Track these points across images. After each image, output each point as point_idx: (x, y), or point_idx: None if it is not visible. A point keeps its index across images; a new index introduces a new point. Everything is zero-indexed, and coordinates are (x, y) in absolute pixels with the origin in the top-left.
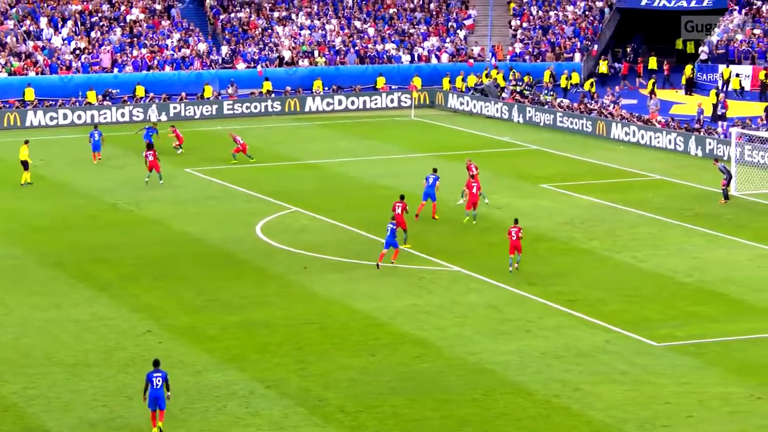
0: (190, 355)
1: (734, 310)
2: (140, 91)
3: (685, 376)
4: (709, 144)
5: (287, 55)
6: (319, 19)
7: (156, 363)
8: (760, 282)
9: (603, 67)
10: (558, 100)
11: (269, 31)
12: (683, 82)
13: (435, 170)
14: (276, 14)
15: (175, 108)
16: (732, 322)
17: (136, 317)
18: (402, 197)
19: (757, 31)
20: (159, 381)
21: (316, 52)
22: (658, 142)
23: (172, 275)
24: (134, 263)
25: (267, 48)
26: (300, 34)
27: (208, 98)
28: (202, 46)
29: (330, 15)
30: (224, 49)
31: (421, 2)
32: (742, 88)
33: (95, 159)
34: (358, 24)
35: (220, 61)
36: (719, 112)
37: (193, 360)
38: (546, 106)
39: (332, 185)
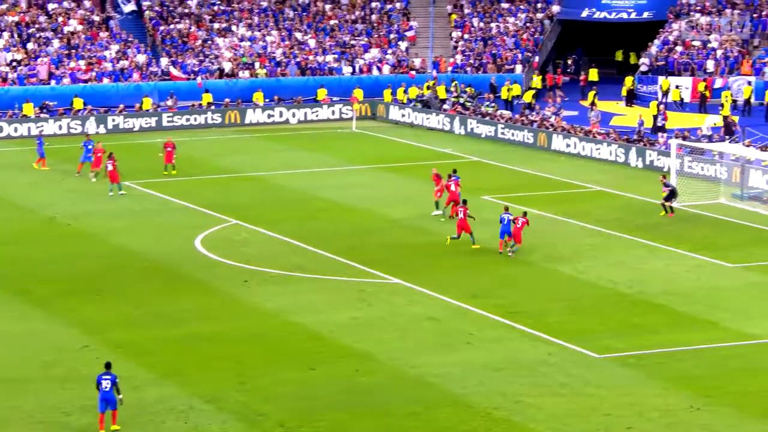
0: (129, 370)
1: (674, 321)
2: (78, 103)
3: (625, 388)
4: (650, 155)
5: (227, 66)
6: (259, 31)
7: (107, 366)
8: (700, 293)
9: (537, 82)
10: (499, 111)
11: (209, 42)
12: (624, 93)
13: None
14: (216, 26)
15: (113, 120)
16: (672, 333)
17: (74, 332)
18: (464, 201)
19: (696, 43)
20: (108, 384)
21: (256, 64)
22: (599, 154)
23: (110, 289)
24: (71, 277)
25: (207, 59)
26: (240, 46)
27: (147, 110)
28: (141, 58)
29: (271, 26)
30: (164, 61)
31: (362, 14)
32: (681, 99)
33: (39, 164)
34: (299, 35)
35: (159, 72)
36: (659, 124)
37: (131, 375)
38: (487, 118)
39: (273, 197)
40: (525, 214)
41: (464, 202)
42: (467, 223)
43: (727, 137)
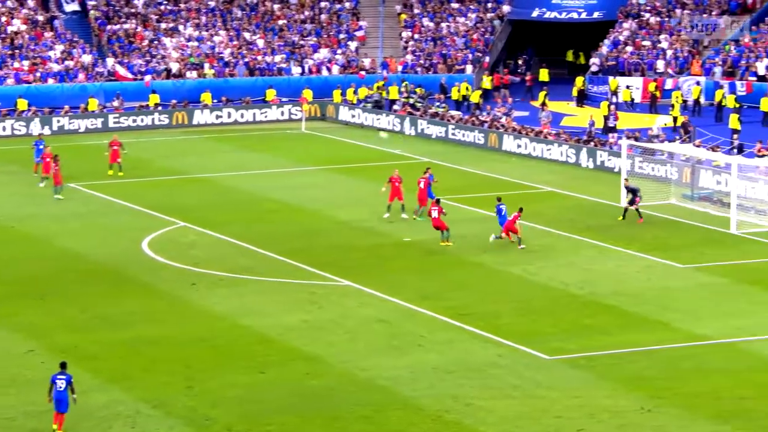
0: (74, 375)
1: (625, 322)
2: (22, 104)
3: (576, 390)
4: (600, 156)
5: (175, 67)
6: (207, 31)
7: (63, 365)
8: (650, 294)
9: (486, 82)
10: (450, 112)
11: (156, 42)
12: (574, 94)
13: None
14: (163, 25)
15: (58, 121)
16: (622, 334)
17: (18, 337)
18: (438, 200)
19: (646, 43)
20: (63, 384)
21: (205, 65)
22: (550, 154)
23: (55, 293)
24: (15, 281)
25: (154, 60)
26: (188, 46)
27: (93, 111)
28: (87, 58)
29: (218, 26)
30: (110, 61)
31: (311, 14)
32: (632, 99)
33: None
34: (247, 35)
35: (105, 73)
36: (611, 124)
37: (76, 380)
38: (438, 119)
39: (221, 199)
40: (521, 210)
41: (437, 201)
42: (442, 221)
43: (686, 138)
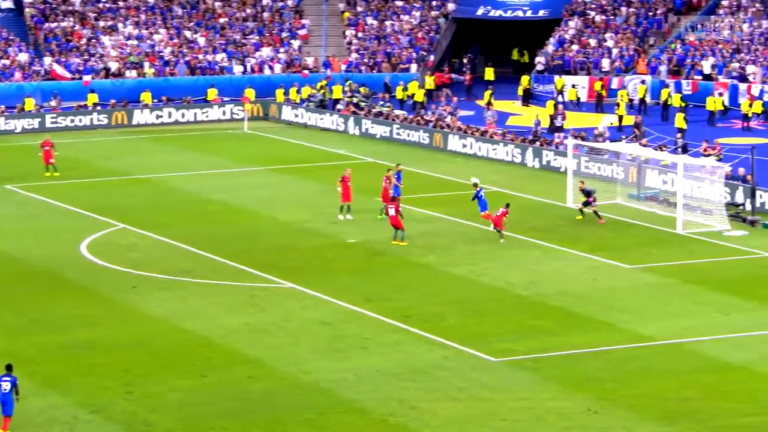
0: None
1: (571, 323)
2: None
3: (523, 392)
4: (546, 156)
5: (114, 66)
6: (147, 29)
7: (8, 367)
8: (596, 294)
9: (430, 82)
10: (394, 111)
11: (94, 41)
12: (520, 93)
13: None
14: (101, 23)
15: None
16: (569, 335)
17: None
18: (394, 198)
19: (592, 42)
20: (7, 385)
21: (145, 64)
22: (496, 154)
23: None
24: None
25: (92, 59)
26: (127, 44)
27: (30, 111)
28: (23, 57)
29: (158, 24)
30: (47, 60)
31: (253, 11)
32: (578, 98)
33: None
34: (188, 34)
35: (42, 72)
36: (558, 124)
37: None
38: (382, 118)
39: (162, 201)
40: (507, 205)
41: (393, 198)
42: (398, 219)
43: (637, 136)
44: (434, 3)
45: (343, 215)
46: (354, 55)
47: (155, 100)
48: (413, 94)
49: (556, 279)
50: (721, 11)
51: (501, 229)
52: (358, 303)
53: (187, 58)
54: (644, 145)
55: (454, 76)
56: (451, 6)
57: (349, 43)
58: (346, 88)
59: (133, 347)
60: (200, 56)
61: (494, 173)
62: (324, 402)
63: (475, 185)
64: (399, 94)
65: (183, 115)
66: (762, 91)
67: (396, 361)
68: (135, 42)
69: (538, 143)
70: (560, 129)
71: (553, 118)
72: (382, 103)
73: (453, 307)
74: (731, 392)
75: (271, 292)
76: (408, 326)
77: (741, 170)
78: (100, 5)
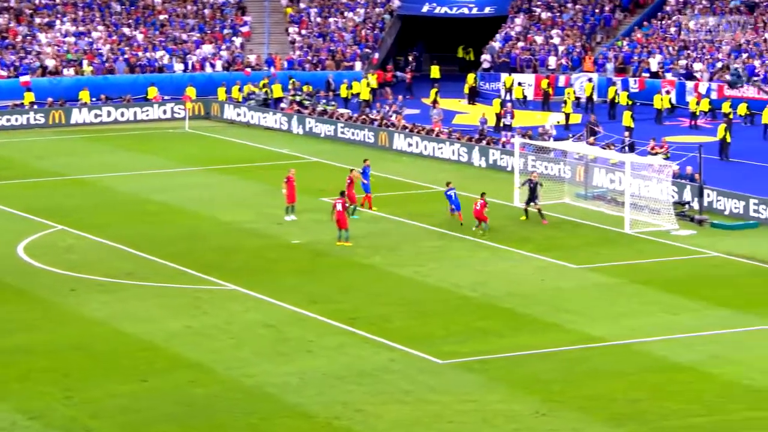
0: None
1: (518, 324)
2: None
3: (470, 394)
4: (493, 155)
5: (51, 63)
6: (84, 26)
7: None
8: (544, 295)
9: (372, 80)
10: (339, 110)
11: (30, 38)
12: (466, 91)
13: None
14: (38, 20)
15: None
16: (516, 336)
17: None
18: (342, 193)
19: (538, 39)
20: None
21: (83, 61)
22: (442, 153)
23: None
24: None
25: (28, 56)
26: (64, 42)
27: None
28: None
29: (96, 21)
30: None
31: (194, 8)
32: (524, 97)
33: None
34: (126, 31)
35: None
36: (508, 122)
37: None
38: (326, 117)
39: (101, 201)
40: (483, 195)
41: (342, 193)
42: (344, 217)
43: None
44: (379, 0)
45: (288, 216)
46: (297, 53)
47: (94, 99)
48: (358, 93)
49: (504, 280)
50: (667, 8)
51: (485, 221)
52: (302, 305)
53: (126, 56)
54: (591, 144)
55: (398, 74)
56: (396, 3)
57: (292, 41)
58: (290, 87)
59: (72, 351)
60: (140, 54)
61: (440, 172)
62: (267, 406)
63: (447, 184)
64: (343, 92)
65: (122, 114)
66: (709, 89)
67: (341, 364)
68: (72, 39)
69: (484, 142)
70: (509, 128)
71: (500, 116)
72: (325, 101)
73: (399, 309)
74: (679, 393)
75: (213, 294)
76: (353, 328)
77: (689, 169)
78: (37, 1)
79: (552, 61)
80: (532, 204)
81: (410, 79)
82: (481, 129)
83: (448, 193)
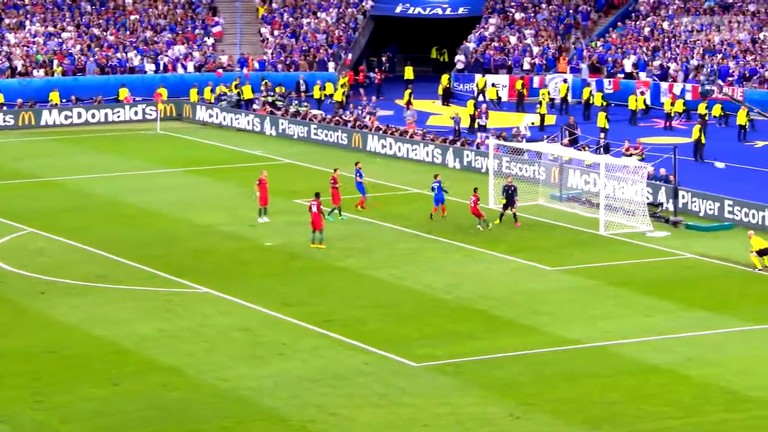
0: None
1: (493, 326)
2: None
3: (444, 397)
4: (467, 156)
5: (20, 64)
6: (54, 26)
7: None
8: (518, 297)
9: (344, 82)
10: (312, 111)
11: None
12: (440, 92)
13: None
14: (6, 21)
15: None
16: (491, 339)
17: None
18: (317, 195)
19: (512, 40)
20: None
21: (53, 62)
22: (416, 155)
23: None
24: None
25: None
26: (34, 42)
27: None
28: None
29: (67, 22)
30: None
31: (165, 8)
32: (499, 98)
33: None
34: (97, 31)
35: None
36: (482, 123)
37: None
38: (299, 118)
39: (72, 204)
40: (476, 190)
41: (317, 195)
42: (320, 218)
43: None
44: (352, 0)
45: (261, 218)
46: (270, 53)
47: (64, 100)
48: (332, 94)
49: (478, 282)
50: (642, 9)
51: (481, 216)
52: (276, 308)
53: (96, 57)
54: (566, 145)
55: (372, 74)
56: (369, 3)
57: (265, 41)
58: (262, 88)
59: (42, 355)
60: (111, 54)
61: (414, 174)
62: (241, 410)
63: (435, 176)
64: (316, 93)
65: (93, 116)
66: (684, 90)
67: (315, 367)
68: (42, 40)
69: (458, 143)
70: (484, 129)
71: (474, 117)
72: (296, 102)
73: (373, 312)
74: (654, 395)
75: (186, 298)
76: (327, 331)
77: (662, 171)
78: (5, 1)
79: (526, 62)
80: (509, 208)
81: (380, 79)
82: (456, 129)
83: (433, 185)
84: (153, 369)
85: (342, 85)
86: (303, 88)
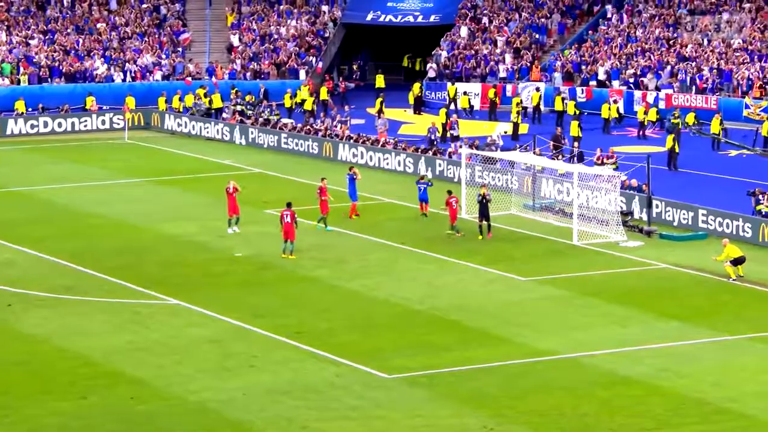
0: None
1: (467, 337)
2: None
3: (418, 409)
4: (440, 165)
5: None
6: (20, 34)
7: None
8: (492, 308)
9: (323, 93)
10: (282, 120)
11: None
12: (411, 101)
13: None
14: None
15: None
16: (465, 350)
17: None
18: (289, 204)
19: (484, 48)
20: None
21: (20, 70)
22: (387, 164)
23: None
24: None
25: None
26: None
27: None
28: None
29: (33, 29)
30: None
31: (133, 16)
32: (471, 106)
33: None
34: (64, 39)
35: None
36: (455, 133)
37: None
38: (270, 127)
39: (39, 214)
40: (450, 192)
41: (288, 205)
42: (292, 228)
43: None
44: (323, 8)
45: (231, 228)
46: (239, 62)
47: (30, 109)
48: (302, 102)
49: (452, 293)
50: (615, 17)
51: (453, 222)
52: (246, 319)
53: (63, 65)
54: (538, 155)
55: (347, 83)
56: (339, 11)
57: (234, 49)
58: (232, 96)
59: (9, 368)
60: (77, 63)
61: (385, 183)
62: (211, 423)
63: (422, 178)
64: (287, 102)
65: (60, 125)
66: (657, 98)
67: (286, 380)
68: (6, 47)
69: (431, 152)
70: (457, 138)
71: (446, 127)
72: (269, 111)
73: (345, 323)
74: (629, 407)
75: (155, 309)
76: (299, 343)
77: (634, 182)
78: None
79: (499, 70)
80: (484, 220)
81: (344, 88)
82: (431, 138)
83: (420, 185)
84: (121, 382)
85: (312, 95)
86: (263, 96)
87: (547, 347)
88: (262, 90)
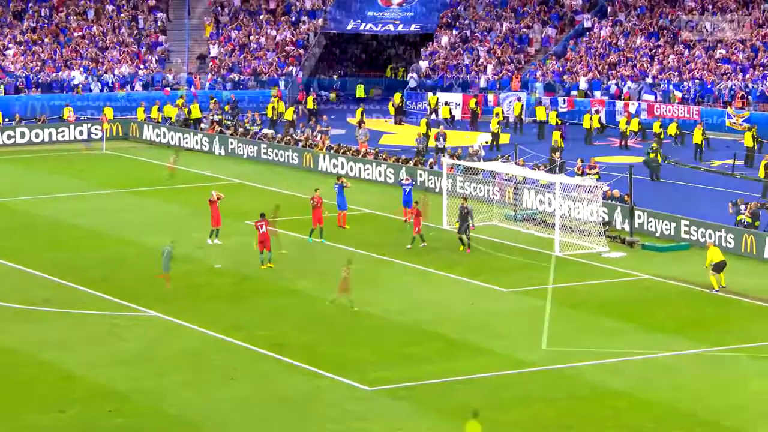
0: None
1: (448, 349)
2: None
3: (398, 422)
4: (421, 175)
5: None
6: None
7: None
8: (474, 319)
9: (310, 103)
10: (262, 130)
11: None
12: (391, 111)
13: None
14: None
15: None
16: (446, 362)
17: None
18: (262, 215)
19: (466, 58)
20: None
21: None
22: (368, 174)
23: None
24: None
25: None
26: None
27: None
28: None
29: (9, 39)
30: None
31: (111, 26)
32: (452, 116)
33: None
34: (41, 49)
35: None
36: (441, 145)
37: None
38: (249, 137)
39: (16, 226)
40: (416, 203)
41: (262, 215)
42: (268, 238)
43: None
44: (303, 17)
45: (212, 240)
46: (219, 72)
47: (6, 120)
48: (282, 113)
49: (434, 304)
50: (596, 27)
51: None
52: (226, 331)
53: (40, 75)
54: (520, 165)
55: (324, 93)
56: (320, 21)
57: (213, 59)
58: (211, 106)
59: None
60: (55, 73)
61: (366, 194)
62: None
63: (406, 179)
64: (269, 112)
65: (37, 135)
66: (639, 109)
67: (266, 392)
68: None
69: (411, 162)
70: (443, 150)
71: (427, 137)
72: (251, 121)
73: (326, 335)
74: (612, 418)
75: (134, 322)
76: (279, 355)
77: (616, 192)
78: None
79: (480, 80)
80: (464, 232)
81: (314, 100)
82: (418, 149)
83: (405, 187)
84: (100, 395)
85: (293, 107)
86: (233, 105)
87: (530, 359)
88: (232, 98)
